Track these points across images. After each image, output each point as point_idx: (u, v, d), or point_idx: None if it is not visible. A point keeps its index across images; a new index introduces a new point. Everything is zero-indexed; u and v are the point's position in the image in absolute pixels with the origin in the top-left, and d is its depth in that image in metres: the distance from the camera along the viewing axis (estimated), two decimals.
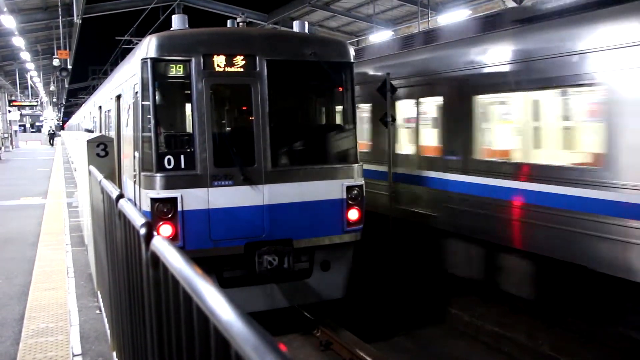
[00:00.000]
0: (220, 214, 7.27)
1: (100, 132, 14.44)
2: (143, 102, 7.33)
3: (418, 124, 10.58)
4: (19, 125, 61.45)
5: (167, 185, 7.12)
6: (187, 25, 7.97)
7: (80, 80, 73.23)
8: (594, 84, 7.04)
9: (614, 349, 7.22)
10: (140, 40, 8.85)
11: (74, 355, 5.02)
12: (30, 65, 37.76)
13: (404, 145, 11.11)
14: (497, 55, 8.65)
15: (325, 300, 8.17)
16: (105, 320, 5.54)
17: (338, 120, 8.66)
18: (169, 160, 7.20)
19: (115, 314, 4.20)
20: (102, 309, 5.91)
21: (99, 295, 6.29)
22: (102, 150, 6.44)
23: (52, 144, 56.87)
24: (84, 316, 6.08)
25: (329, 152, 8.30)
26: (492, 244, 8.81)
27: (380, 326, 8.73)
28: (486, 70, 8.79)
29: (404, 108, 11.03)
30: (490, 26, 9.33)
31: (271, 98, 7.58)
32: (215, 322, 1.37)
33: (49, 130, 63.95)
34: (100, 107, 15.16)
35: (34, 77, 46.78)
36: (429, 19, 24.25)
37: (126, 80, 8.73)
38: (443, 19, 24.39)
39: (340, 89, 8.27)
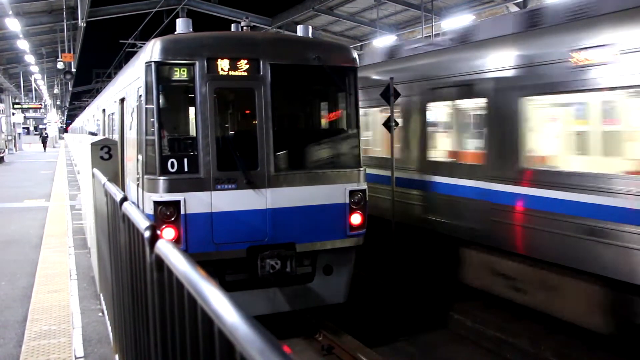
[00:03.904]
0: (223, 217, 7.28)
1: (104, 135, 14.47)
2: (147, 105, 7.35)
3: None
4: (23, 128, 61.46)
5: (171, 189, 7.13)
6: (191, 29, 8.00)
7: (84, 83, 73.39)
8: None
9: (617, 355, 7.19)
10: (144, 44, 8.86)
11: (76, 358, 5.02)
12: (34, 68, 37.93)
13: None
14: None
15: (328, 305, 8.17)
16: (108, 322, 5.55)
17: (341, 124, 8.67)
18: (172, 163, 7.21)
19: (118, 316, 4.20)
20: (105, 312, 5.92)
21: (102, 298, 6.30)
22: (106, 153, 6.46)
23: (45, 149, 52.15)
24: (87, 319, 6.08)
25: (332, 156, 8.31)
26: None
27: (382, 330, 8.72)
28: None
29: None
30: None
31: (275, 102, 7.60)
32: (220, 325, 1.37)
33: (42, 133, 58.68)
34: (104, 110, 15.20)
35: (38, 80, 46.93)
36: (433, 23, 24.28)
37: (130, 83, 8.76)
38: (447, 24, 24.44)
39: (344, 93, 8.29)
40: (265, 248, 7.40)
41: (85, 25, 22.12)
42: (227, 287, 7.40)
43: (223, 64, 7.40)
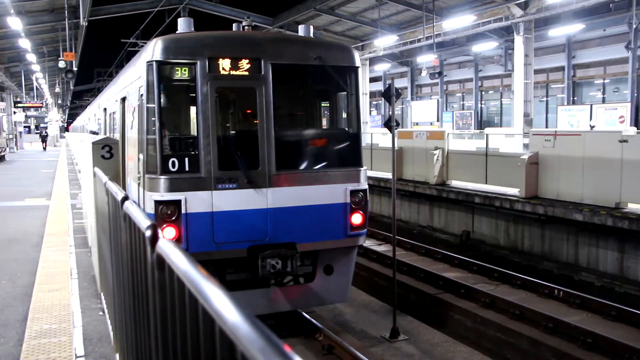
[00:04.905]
0: (224, 217, 7.28)
1: (105, 134, 14.48)
2: (148, 105, 7.35)
3: None
4: (24, 127, 61.42)
5: (171, 188, 7.13)
6: (192, 29, 8.00)
7: (86, 82, 73.40)
8: None
9: (617, 355, 7.19)
10: (145, 43, 8.86)
11: (76, 357, 5.02)
12: (35, 67, 37.91)
13: None
14: None
15: (328, 304, 8.17)
16: (109, 321, 5.55)
17: (342, 124, 8.67)
18: (173, 162, 7.21)
19: (119, 315, 4.20)
20: (105, 311, 5.92)
21: (102, 297, 6.30)
22: (107, 152, 6.46)
23: (45, 148, 50.19)
24: (87, 317, 6.08)
25: (333, 156, 8.30)
26: None
27: (382, 330, 8.72)
28: None
29: None
30: None
31: (276, 101, 7.60)
32: (221, 324, 1.37)
33: (42, 132, 56.43)
34: (105, 109, 15.20)
35: (40, 79, 46.92)
36: (434, 24, 24.28)
37: (131, 82, 8.76)
38: (448, 24, 24.44)
39: (345, 93, 8.29)
40: (266, 247, 7.40)
41: (86, 24, 22.17)
42: (228, 286, 7.41)
43: (224, 64, 7.40)
